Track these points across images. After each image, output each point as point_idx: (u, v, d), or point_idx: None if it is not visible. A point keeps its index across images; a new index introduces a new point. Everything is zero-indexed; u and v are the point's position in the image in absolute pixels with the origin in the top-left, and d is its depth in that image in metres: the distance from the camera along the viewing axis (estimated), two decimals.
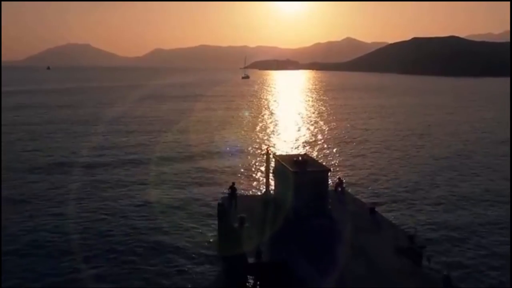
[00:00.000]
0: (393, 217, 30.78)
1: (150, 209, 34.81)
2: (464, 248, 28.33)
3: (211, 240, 28.86)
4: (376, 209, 29.06)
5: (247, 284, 22.50)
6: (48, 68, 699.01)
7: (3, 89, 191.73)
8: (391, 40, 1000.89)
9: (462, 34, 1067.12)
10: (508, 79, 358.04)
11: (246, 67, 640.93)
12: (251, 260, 21.63)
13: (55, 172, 46.80)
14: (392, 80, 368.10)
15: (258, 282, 22.36)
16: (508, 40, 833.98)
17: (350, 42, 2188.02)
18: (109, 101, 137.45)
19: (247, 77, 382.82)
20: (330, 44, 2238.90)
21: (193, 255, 26.74)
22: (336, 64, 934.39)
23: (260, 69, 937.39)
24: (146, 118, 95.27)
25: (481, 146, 65.93)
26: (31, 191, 39.61)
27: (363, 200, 33.23)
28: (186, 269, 24.95)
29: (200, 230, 30.50)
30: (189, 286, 23.09)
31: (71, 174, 45.77)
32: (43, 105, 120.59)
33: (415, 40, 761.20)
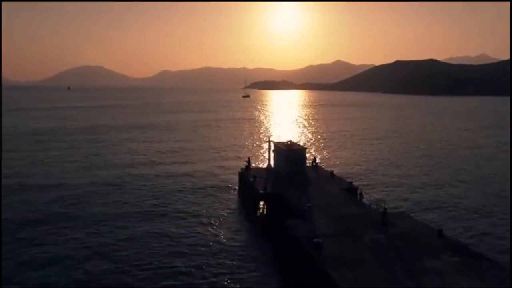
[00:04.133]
0: (344, 176, 45.98)
1: (197, 174, 51.00)
2: (381, 185, 44.16)
3: (235, 188, 45.07)
4: (334, 172, 44.60)
5: (258, 205, 37.90)
6: (69, 88, 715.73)
7: (39, 106, 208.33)
8: (377, 63, 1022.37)
9: (441, 57, 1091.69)
10: (480, 98, 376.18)
11: (246, 87, 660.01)
12: (261, 191, 37.02)
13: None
14: (376, 98, 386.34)
15: (265, 204, 37.67)
16: (484, 62, 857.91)
17: (340, 64, 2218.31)
18: (137, 115, 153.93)
19: (247, 96, 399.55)
20: (322, 66, 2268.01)
21: (224, 196, 42.60)
22: (328, 85, 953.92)
23: (258, 88, 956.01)
24: (173, 126, 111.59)
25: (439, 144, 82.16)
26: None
27: (327, 169, 48.74)
28: (220, 202, 40.79)
29: (230, 183, 46.74)
30: (219, 210, 38.51)
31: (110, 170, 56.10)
32: (80, 119, 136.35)
33: (398, 63, 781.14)
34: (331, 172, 44.48)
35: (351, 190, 37.83)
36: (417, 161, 64.64)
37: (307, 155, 49.12)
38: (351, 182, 39.33)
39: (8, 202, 39.68)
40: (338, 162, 62.68)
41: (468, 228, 34.69)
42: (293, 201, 33.47)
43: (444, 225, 33.41)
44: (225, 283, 24.71)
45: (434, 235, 26.24)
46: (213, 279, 25.08)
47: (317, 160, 50.23)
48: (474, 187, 48.56)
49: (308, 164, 46.91)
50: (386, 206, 30.98)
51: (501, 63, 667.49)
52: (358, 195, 35.65)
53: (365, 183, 47.81)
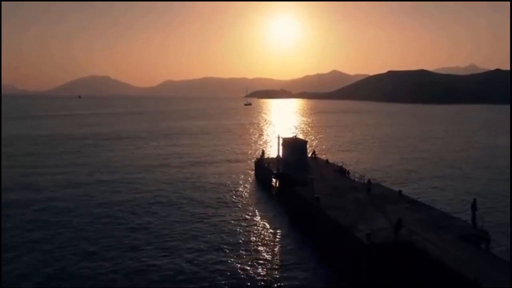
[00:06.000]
0: (337, 163, 56.61)
1: (221, 165, 61.60)
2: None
3: (252, 172, 55.83)
4: (329, 161, 55.39)
5: (272, 183, 48.56)
6: (79, 97, 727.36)
7: (60, 113, 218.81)
8: (371, 73, 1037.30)
9: (432, 68, 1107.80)
10: (469, 106, 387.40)
11: (247, 96, 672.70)
12: (274, 171, 47.76)
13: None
14: (370, 106, 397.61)
15: (278, 181, 48.34)
16: (473, 72, 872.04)
17: (336, 74, 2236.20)
18: (155, 121, 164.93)
19: (249, 104, 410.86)
20: (318, 76, 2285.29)
21: (244, 180, 53.18)
22: (324, 94, 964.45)
23: (258, 97, 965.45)
24: (190, 131, 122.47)
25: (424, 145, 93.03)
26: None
27: (323, 158, 59.52)
28: (240, 184, 51.33)
29: (247, 169, 57.67)
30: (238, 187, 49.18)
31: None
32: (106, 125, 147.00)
33: (391, 73, 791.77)
34: (326, 160, 55.32)
35: (341, 171, 48.63)
36: (396, 153, 75.48)
37: (308, 147, 59.80)
38: (341, 166, 50.14)
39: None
40: (332, 154, 74.23)
41: (422, 187, 46.16)
42: (298, 177, 44.21)
43: (406, 187, 44.16)
44: (253, 231, 35.20)
45: (397, 194, 36.99)
46: (244, 230, 35.56)
47: (316, 152, 61.01)
48: (435, 170, 59.31)
49: (308, 155, 57.65)
50: (369, 178, 41.90)
51: (488, 73, 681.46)
52: (346, 174, 46.37)
53: (353, 167, 58.23)
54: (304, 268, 27.25)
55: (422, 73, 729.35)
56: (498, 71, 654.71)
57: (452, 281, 21.38)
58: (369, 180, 39.92)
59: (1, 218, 36.46)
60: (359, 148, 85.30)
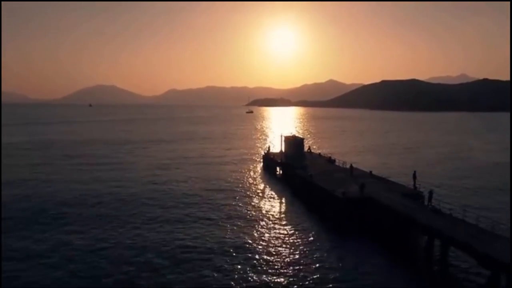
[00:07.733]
0: (328, 155, 68.77)
1: (235, 158, 73.87)
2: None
3: (260, 162, 68.15)
4: (321, 154, 67.66)
5: (276, 171, 60.72)
6: (90, 105, 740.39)
7: (81, 119, 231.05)
8: (365, 82, 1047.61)
9: (424, 77, 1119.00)
10: (456, 113, 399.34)
11: (248, 104, 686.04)
12: (279, 161, 60.08)
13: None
14: (363, 114, 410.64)
15: (281, 168, 60.51)
16: (464, 81, 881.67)
17: (332, 83, 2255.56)
18: (172, 127, 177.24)
19: (251, 112, 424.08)
20: (316, 85, 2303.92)
21: (253, 170, 65.41)
22: (321, 102, 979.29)
23: (259, 105, 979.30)
24: (205, 135, 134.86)
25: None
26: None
27: (317, 152, 71.74)
28: (250, 172, 63.57)
29: (256, 162, 69.64)
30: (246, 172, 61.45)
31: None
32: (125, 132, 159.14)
33: (384, 82, 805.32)
34: (319, 153, 67.66)
35: (330, 160, 60.93)
36: (382, 151, 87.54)
37: (305, 143, 72.01)
38: (330, 157, 62.48)
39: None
40: (324, 148, 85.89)
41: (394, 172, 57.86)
42: (297, 164, 56.53)
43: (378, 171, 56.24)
44: (266, 201, 47.48)
45: (368, 174, 49.25)
46: (259, 201, 47.82)
47: (310, 148, 73.36)
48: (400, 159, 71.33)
49: (305, 150, 69.85)
50: (351, 163, 54.18)
51: (476, 82, 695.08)
52: (333, 162, 58.67)
53: (339, 157, 70.63)
54: (303, 219, 39.31)
55: (414, 82, 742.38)
56: (485, 80, 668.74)
57: (393, 216, 33.61)
58: (351, 165, 52.15)
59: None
60: (346, 143, 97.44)
